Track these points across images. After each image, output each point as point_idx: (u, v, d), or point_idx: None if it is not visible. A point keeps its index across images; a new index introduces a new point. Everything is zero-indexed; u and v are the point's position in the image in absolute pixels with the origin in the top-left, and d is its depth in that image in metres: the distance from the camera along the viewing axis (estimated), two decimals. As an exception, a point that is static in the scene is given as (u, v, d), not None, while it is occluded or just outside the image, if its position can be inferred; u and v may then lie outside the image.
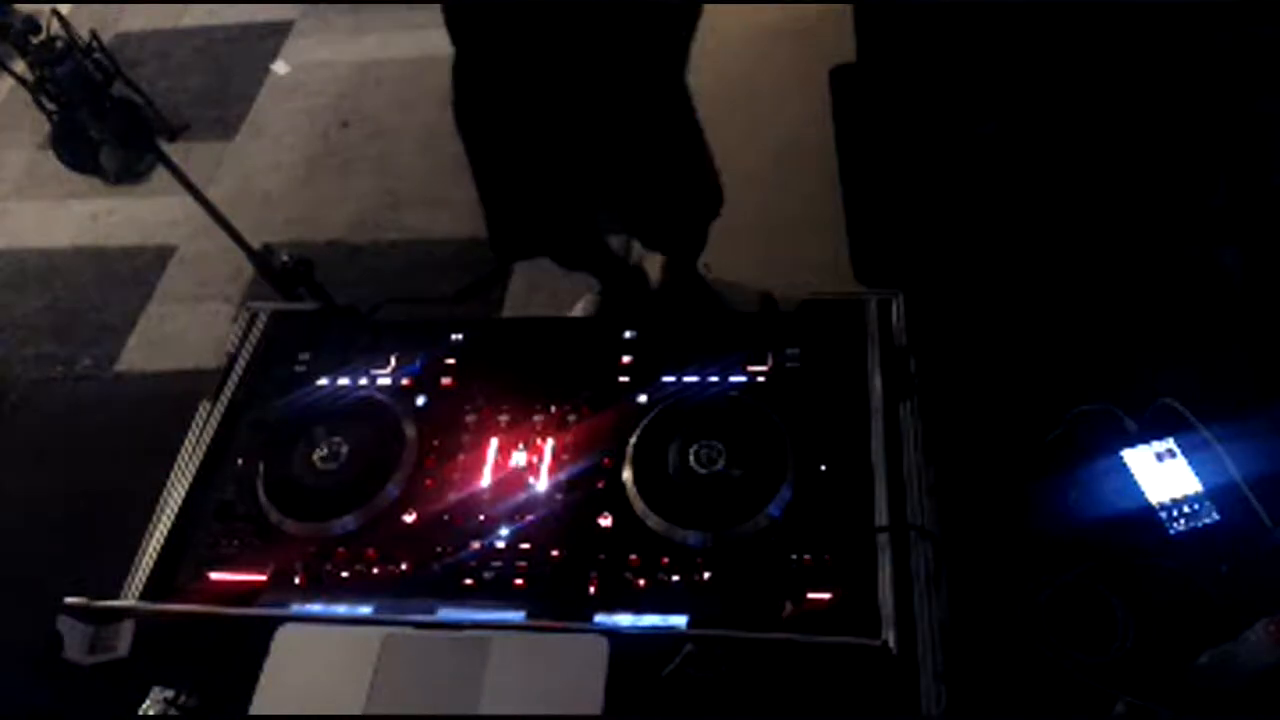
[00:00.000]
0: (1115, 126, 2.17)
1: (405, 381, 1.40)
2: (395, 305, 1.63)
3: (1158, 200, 2.07)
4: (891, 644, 1.04)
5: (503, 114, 1.71)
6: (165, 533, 1.27)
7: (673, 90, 1.78)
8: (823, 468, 1.22)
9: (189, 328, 2.82)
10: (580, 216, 2.06)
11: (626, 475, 1.24)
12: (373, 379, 1.41)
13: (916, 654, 1.05)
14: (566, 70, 1.61)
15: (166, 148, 2.14)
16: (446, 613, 1.15)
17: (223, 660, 1.10)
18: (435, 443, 1.32)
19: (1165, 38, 2.10)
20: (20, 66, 2.10)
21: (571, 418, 1.32)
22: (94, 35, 2.44)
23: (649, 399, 1.32)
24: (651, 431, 1.27)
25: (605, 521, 1.21)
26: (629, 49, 1.62)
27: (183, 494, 1.31)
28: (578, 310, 2.47)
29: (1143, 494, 1.39)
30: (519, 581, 1.18)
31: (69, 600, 1.14)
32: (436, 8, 1.57)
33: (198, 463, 1.34)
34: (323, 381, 1.41)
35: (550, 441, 1.30)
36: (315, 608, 1.18)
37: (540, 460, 1.28)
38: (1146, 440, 1.44)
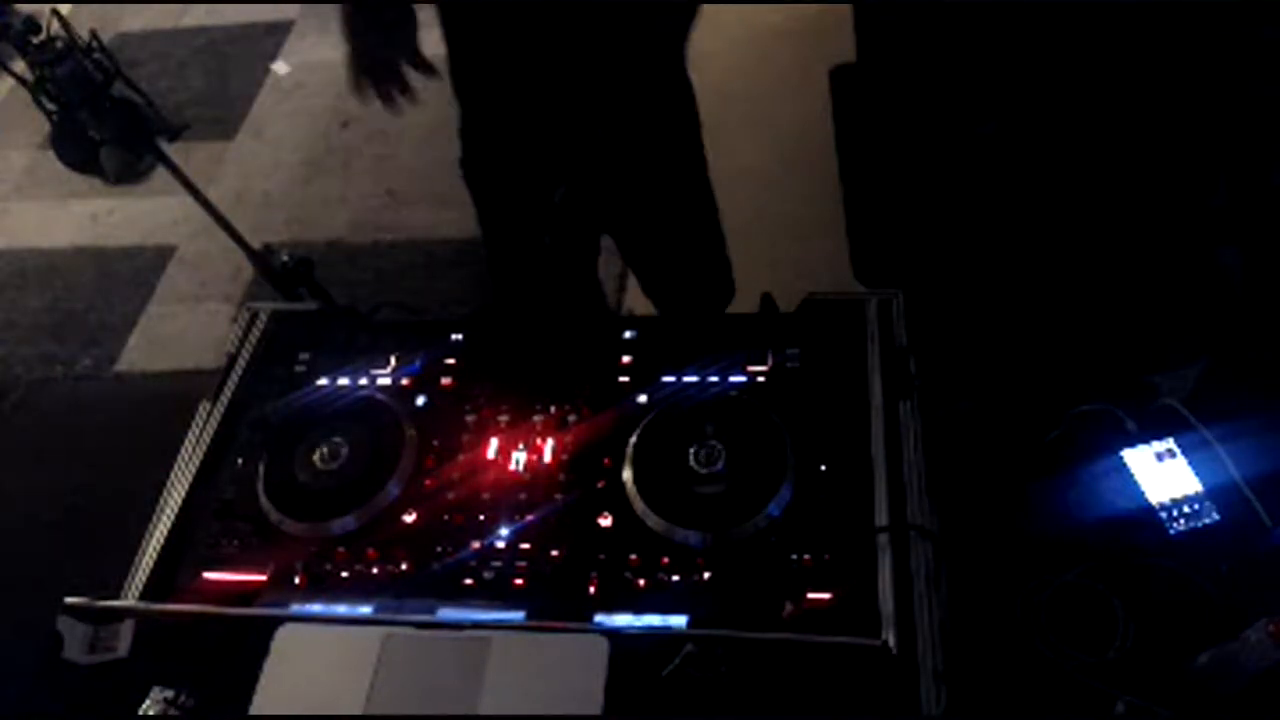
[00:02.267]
0: (1115, 126, 2.17)
1: (405, 381, 1.40)
2: (395, 305, 1.63)
3: (1158, 200, 2.07)
4: (891, 644, 1.04)
5: (510, 172, 1.71)
6: (165, 533, 1.27)
7: (687, 155, 1.78)
8: (823, 468, 1.22)
9: (189, 328, 2.83)
10: (586, 274, 2.06)
11: (626, 475, 1.24)
12: (373, 379, 1.41)
13: (916, 654, 1.05)
14: (574, 130, 1.61)
15: (166, 148, 2.15)
16: (446, 613, 1.15)
17: (223, 660, 1.10)
18: (435, 443, 1.32)
19: (1165, 37, 2.10)
20: (20, 66, 2.10)
21: (571, 418, 1.32)
22: (94, 35, 2.44)
23: (649, 399, 1.32)
24: (651, 431, 1.27)
25: (605, 521, 1.21)
26: (640, 113, 1.61)
27: (183, 494, 1.31)
28: None
29: (1143, 494, 1.39)
30: (519, 581, 1.18)
31: (69, 600, 1.13)
32: (436, 8, 1.57)
33: (198, 463, 1.34)
34: (323, 381, 1.41)
35: (550, 441, 1.30)
36: (315, 608, 1.17)
37: (540, 460, 1.28)
38: (1146, 440, 1.43)
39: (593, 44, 1.50)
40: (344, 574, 1.21)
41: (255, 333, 1.48)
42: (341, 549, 1.23)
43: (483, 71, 1.56)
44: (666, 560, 1.16)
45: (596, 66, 1.54)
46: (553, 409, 1.33)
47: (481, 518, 1.24)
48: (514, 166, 1.70)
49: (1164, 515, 1.37)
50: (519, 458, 1.29)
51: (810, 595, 1.11)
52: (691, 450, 1.22)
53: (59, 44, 1.96)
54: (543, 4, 1.44)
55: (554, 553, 1.20)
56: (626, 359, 1.38)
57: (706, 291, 2.02)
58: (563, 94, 1.56)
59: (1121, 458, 1.43)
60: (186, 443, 1.36)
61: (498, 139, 1.67)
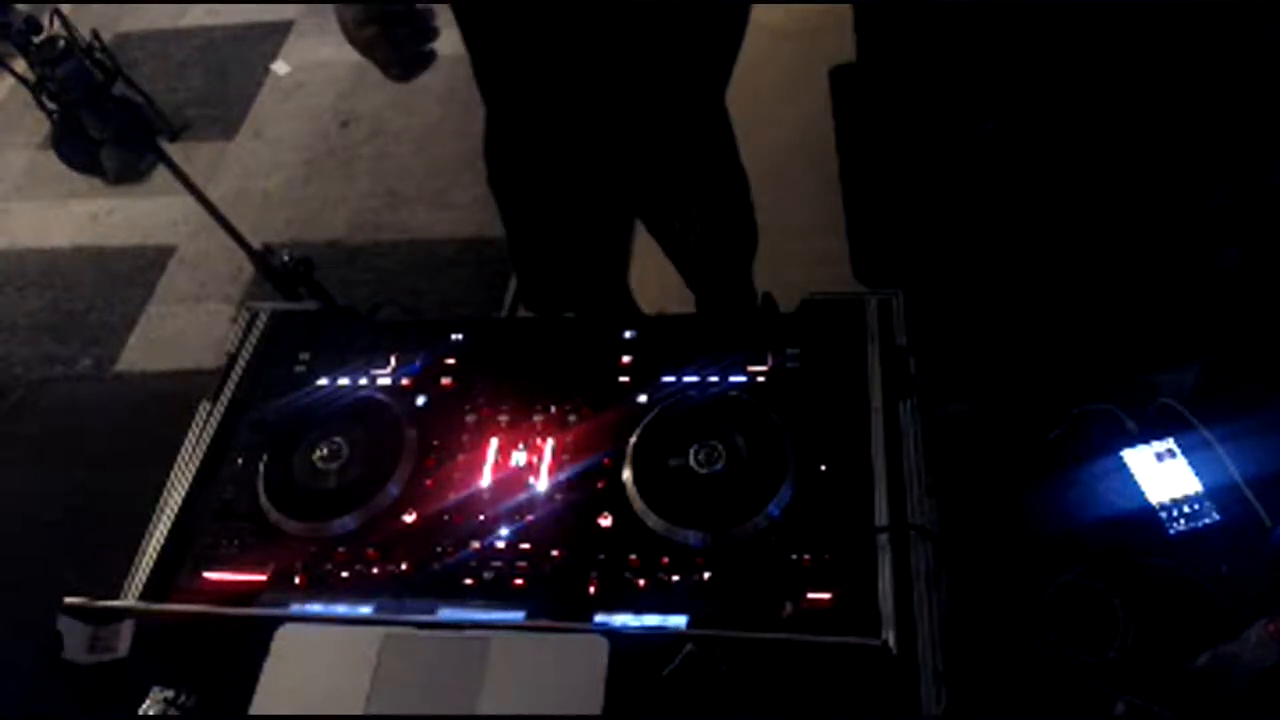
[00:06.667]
0: (1116, 125, 2.17)
1: (405, 381, 1.40)
2: (395, 305, 1.63)
3: (1158, 200, 2.07)
4: (891, 644, 1.04)
5: (536, 175, 1.71)
6: (165, 533, 1.27)
7: (714, 134, 1.77)
8: (823, 468, 1.22)
9: (189, 328, 2.83)
10: (614, 275, 2.07)
11: (626, 475, 1.24)
12: (373, 379, 1.41)
13: (916, 654, 1.05)
14: (599, 126, 1.61)
15: (166, 148, 2.15)
16: (446, 613, 1.15)
17: (223, 660, 1.10)
18: (435, 443, 1.32)
19: (1165, 37, 2.10)
20: (21, 66, 2.10)
21: (571, 418, 1.32)
22: (95, 35, 2.45)
23: (649, 399, 1.32)
24: (651, 431, 1.27)
25: (605, 521, 1.21)
26: (664, 106, 1.61)
27: (183, 494, 1.31)
28: None
29: (1143, 494, 1.39)
30: (519, 581, 1.18)
31: (69, 600, 1.13)
32: (434, 8, 1.57)
33: (198, 463, 1.34)
34: (323, 381, 1.41)
35: (550, 441, 1.30)
36: (315, 608, 1.17)
37: (540, 460, 1.28)
38: (1146, 440, 1.43)
39: (619, 52, 1.49)
40: (344, 574, 1.21)
41: (255, 333, 1.48)
42: (341, 549, 1.23)
43: (509, 74, 1.56)
44: (666, 560, 1.16)
45: (623, 73, 1.53)
46: (553, 409, 1.33)
47: (481, 518, 1.24)
48: (542, 173, 1.71)
49: (1164, 515, 1.37)
50: (519, 458, 1.29)
51: (810, 595, 1.11)
52: (691, 450, 1.22)
53: (60, 44, 1.97)
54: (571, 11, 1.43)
55: (554, 553, 1.20)
56: (626, 359, 1.38)
57: (734, 247, 2.03)
58: (590, 99, 1.56)
59: (1121, 458, 1.43)
60: (186, 443, 1.36)
61: (526, 147, 1.68)
